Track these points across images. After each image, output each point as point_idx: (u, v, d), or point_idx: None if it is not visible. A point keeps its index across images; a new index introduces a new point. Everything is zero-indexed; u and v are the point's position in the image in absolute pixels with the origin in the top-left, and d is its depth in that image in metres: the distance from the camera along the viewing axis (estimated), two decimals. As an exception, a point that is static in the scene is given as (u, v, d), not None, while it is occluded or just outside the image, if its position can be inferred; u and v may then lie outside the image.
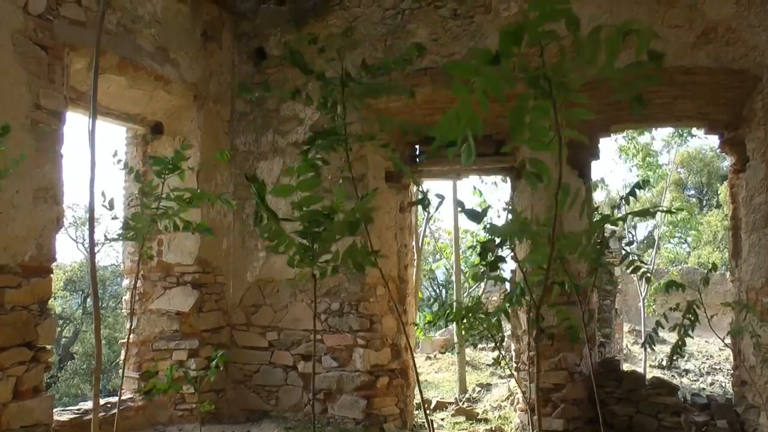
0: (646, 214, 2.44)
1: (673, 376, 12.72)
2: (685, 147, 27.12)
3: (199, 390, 3.49)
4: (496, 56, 1.25)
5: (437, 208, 2.45)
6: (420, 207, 2.61)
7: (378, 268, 2.99)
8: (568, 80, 1.29)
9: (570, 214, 2.43)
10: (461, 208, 1.94)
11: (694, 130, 11.29)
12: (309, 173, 1.93)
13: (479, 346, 13.59)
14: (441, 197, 2.53)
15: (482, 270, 2.35)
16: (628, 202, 3.36)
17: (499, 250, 2.22)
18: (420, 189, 6.77)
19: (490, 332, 3.27)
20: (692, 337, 3.61)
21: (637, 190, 3.25)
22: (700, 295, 3.73)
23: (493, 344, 13.16)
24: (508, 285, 2.84)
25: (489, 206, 2.33)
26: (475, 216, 1.84)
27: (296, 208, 1.94)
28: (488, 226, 2.00)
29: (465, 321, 3.22)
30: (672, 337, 16.41)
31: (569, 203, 1.46)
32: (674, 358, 4.16)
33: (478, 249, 2.22)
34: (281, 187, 1.95)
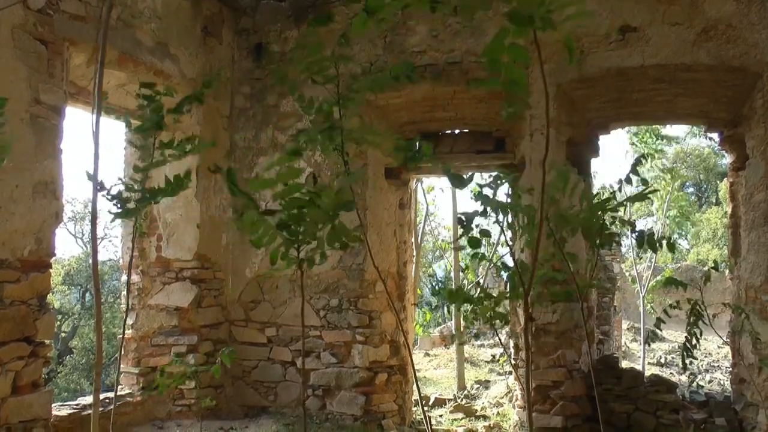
0: (642, 198, 2.44)
1: (671, 373, 12.73)
2: (680, 145, 27.12)
3: (198, 386, 3.49)
4: None
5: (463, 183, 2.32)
6: (422, 199, 2.57)
7: (375, 267, 2.98)
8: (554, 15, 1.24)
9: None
10: (446, 173, 1.94)
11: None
12: (289, 163, 1.80)
13: (478, 342, 13.58)
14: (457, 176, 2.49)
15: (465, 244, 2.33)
16: (630, 182, 3.25)
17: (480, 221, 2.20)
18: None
19: (492, 321, 3.22)
20: (699, 341, 3.58)
21: (638, 173, 3.15)
22: (701, 293, 3.72)
23: (492, 341, 13.15)
24: (505, 275, 2.78)
25: (472, 173, 2.34)
26: (460, 181, 1.86)
27: (277, 198, 1.75)
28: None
29: (471, 307, 3.15)
30: (672, 336, 16.42)
31: (568, 192, 1.45)
32: (687, 362, 4.12)
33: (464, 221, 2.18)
34: (262, 181, 1.74)
